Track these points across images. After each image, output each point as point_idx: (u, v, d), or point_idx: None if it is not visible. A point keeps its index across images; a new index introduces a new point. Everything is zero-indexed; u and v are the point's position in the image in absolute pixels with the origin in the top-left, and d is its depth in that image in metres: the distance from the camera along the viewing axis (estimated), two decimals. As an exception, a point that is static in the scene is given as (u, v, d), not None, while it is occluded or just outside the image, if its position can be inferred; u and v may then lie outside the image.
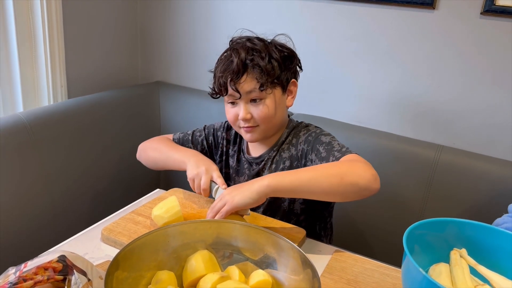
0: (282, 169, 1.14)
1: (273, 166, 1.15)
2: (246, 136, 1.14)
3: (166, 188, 1.26)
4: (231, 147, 1.25)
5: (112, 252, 0.93)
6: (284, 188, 0.92)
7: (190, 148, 1.24)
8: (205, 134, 1.26)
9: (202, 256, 0.78)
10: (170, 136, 1.29)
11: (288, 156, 1.14)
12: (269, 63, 1.06)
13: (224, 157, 1.25)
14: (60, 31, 1.58)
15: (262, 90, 1.06)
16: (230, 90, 1.08)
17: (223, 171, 1.25)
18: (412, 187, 1.42)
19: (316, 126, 1.17)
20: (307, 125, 1.18)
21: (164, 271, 0.76)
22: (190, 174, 1.08)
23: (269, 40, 1.13)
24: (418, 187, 1.41)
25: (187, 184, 1.10)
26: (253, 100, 1.08)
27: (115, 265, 0.68)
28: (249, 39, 1.11)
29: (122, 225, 1.01)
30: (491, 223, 1.03)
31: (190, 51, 1.90)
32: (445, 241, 0.82)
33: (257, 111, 1.08)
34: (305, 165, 1.10)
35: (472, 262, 0.79)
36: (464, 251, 0.81)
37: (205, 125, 1.29)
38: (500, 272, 0.77)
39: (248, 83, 1.06)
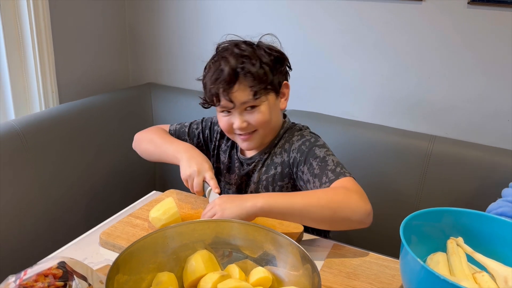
0: (274, 175, 1.12)
1: (263, 169, 1.14)
2: (242, 144, 1.11)
3: (162, 189, 1.25)
4: (224, 141, 1.22)
5: (111, 256, 0.93)
6: (276, 212, 0.91)
7: (186, 140, 1.22)
8: (202, 127, 1.24)
9: (202, 256, 0.78)
10: (167, 126, 1.26)
11: (280, 162, 1.12)
12: (261, 69, 1.03)
13: (215, 152, 1.23)
14: (48, 36, 1.57)
15: (256, 98, 1.03)
16: (223, 101, 1.04)
17: (214, 165, 1.22)
18: (407, 178, 1.43)
19: (310, 132, 1.14)
20: (301, 129, 1.15)
21: (164, 272, 0.76)
22: (183, 175, 1.06)
23: (255, 43, 1.10)
24: (412, 178, 1.42)
25: (183, 185, 1.10)
26: (247, 108, 1.05)
27: (115, 269, 0.68)
28: (236, 44, 1.07)
29: (120, 229, 1.01)
30: (485, 210, 1.04)
31: (180, 51, 1.90)
32: (442, 230, 0.83)
33: (253, 118, 1.05)
34: (296, 174, 1.09)
35: (469, 250, 0.80)
36: (460, 240, 0.82)
37: (204, 118, 1.26)
38: (497, 258, 0.78)
39: (241, 93, 1.02)
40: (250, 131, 1.08)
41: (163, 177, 1.87)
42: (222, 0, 1.74)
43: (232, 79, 1.02)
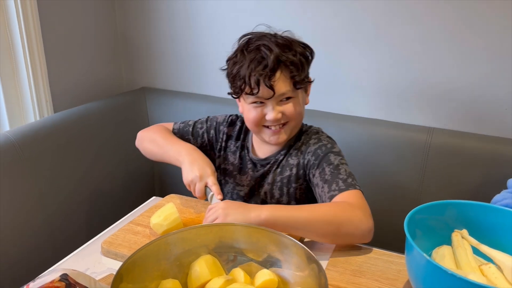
0: (289, 176, 1.12)
1: (278, 170, 1.13)
2: (271, 138, 1.09)
3: (162, 195, 1.24)
4: (233, 142, 1.20)
5: (113, 265, 0.92)
6: (280, 224, 0.90)
7: (190, 140, 1.20)
8: (206, 127, 1.22)
9: (206, 261, 0.77)
10: (171, 125, 1.25)
11: (295, 163, 1.11)
12: (299, 60, 1.03)
13: (222, 152, 1.21)
14: (39, 45, 1.55)
15: (297, 89, 1.04)
16: (263, 89, 1.01)
17: (221, 166, 1.21)
18: (407, 172, 1.43)
19: (327, 136, 1.14)
20: (317, 132, 1.15)
21: (168, 279, 0.75)
22: (185, 180, 1.05)
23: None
24: (413, 172, 1.41)
25: (182, 189, 1.09)
26: (282, 99, 1.04)
27: (118, 278, 0.67)
28: (274, 34, 1.06)
29: (122, 237, 1.00)
30: (489, 201, 1.04)
31: (173, 54, 1.89)
32: (446, 223, 0.83)
33: (288, 109, 1.04)
34: (308, 176, 1.09)
35: (474, 242, 0.80)
36: (465, 232, 0.81)
37: (208, 117, 1.24)
38: (503, 249, 0.78)
39: (281, 82, 1.01)
40: (282, 123, 1.06)
41: (163, 181, 1.86)
42: (212, 0, 1.73)
43: (275, 67, 1.00)
